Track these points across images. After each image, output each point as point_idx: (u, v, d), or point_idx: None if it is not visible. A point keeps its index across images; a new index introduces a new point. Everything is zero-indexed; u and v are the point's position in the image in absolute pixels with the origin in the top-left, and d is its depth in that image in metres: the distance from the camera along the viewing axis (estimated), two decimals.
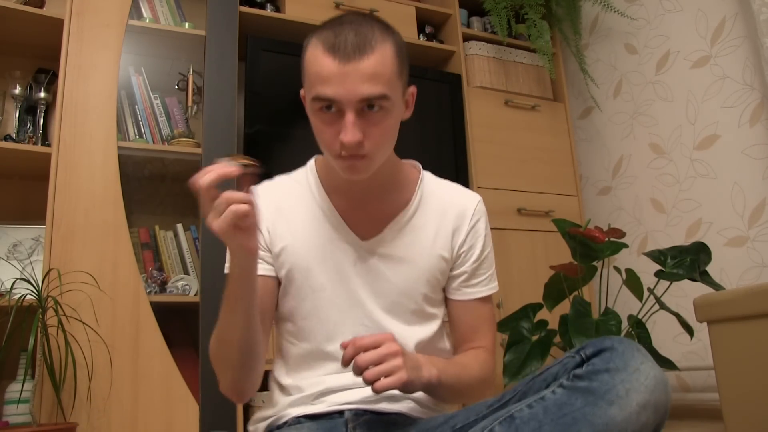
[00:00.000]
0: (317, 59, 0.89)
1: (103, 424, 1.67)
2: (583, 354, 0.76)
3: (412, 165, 1.10)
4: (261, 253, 1.00)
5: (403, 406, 0.97)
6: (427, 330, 1.03)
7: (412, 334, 1.01)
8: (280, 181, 1.09)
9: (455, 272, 1.06)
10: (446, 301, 1.08)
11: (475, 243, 1.06)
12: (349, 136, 0.87)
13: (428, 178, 1.09)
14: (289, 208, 1.04)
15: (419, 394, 0.98)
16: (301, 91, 0.98)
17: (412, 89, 0.99)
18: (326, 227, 1.02)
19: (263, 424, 1.01)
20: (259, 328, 0.93)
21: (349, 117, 0.87)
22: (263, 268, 1.01)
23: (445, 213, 1.05)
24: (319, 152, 1.02)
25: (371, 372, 0.79)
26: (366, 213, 1.03)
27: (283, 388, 1.02)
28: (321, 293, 1.00)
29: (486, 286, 1.08)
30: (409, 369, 0.81)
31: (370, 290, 1.00)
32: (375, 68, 0.87)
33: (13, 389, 1.61)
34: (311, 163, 1.09)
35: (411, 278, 1.01)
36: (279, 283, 1.03)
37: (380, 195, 1.03)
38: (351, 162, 0.91)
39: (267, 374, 1.06)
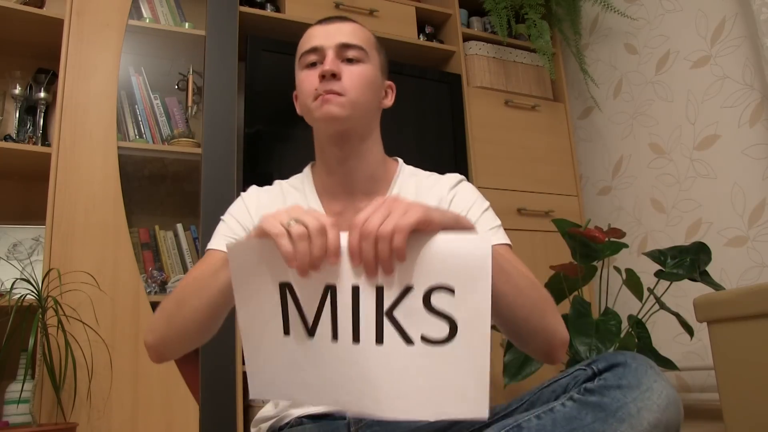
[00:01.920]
0: (306, 33, 1.05)
1: (103, 424, 1.67)
2: (595, 367, 0.75)
3: (394, 160, 1.12)
4: (232, 236, 1.00)
5: None
6: None
7: None
8: (278, 184, 1.12)
9: None
10: None
11: (459, 210, 1.01)
12: (327, 65, 0.97)
13: (407, 171, 1.10)
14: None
15: None
16: (294, 93, 1.09)
17: (391, 83, 1.10)
18: None
19: (265, 425, 1.01)
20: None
21: (329, 53, 0.99)
22: None
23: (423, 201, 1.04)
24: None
25: (382, 239, 0.66)
26: (352, 213, 1.02)
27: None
28: None
29: (495, 236, 1.01)
30: (424, 208, 0.70)
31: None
32: (353, 29, 1.03)
33: (13, 389, 1.61)
34: (307, 169, 1.12)
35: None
36: None
37: (369, 192, 1.04)
38: (326, 97, 0.96)
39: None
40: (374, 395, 0.68)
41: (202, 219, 1.92)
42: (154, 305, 1.82)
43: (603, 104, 2.77)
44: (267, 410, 1.02)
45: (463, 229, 0.73)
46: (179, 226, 2.11)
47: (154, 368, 1.77)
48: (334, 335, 0.68)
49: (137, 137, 2.09)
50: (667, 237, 2.41)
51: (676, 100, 2.43)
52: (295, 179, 1.12)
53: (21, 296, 1.59)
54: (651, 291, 1.87)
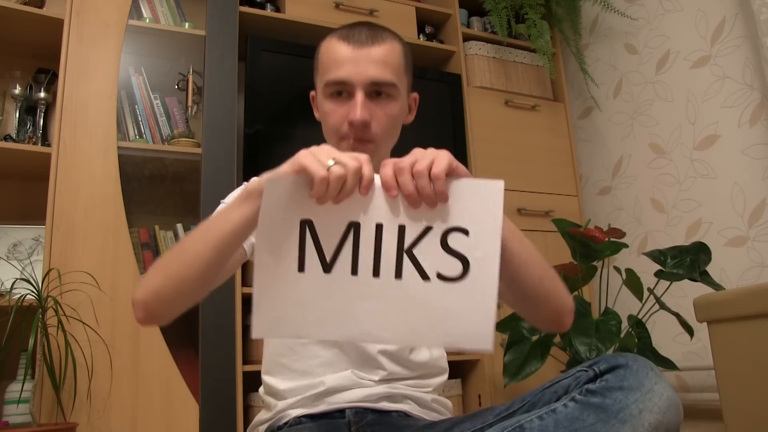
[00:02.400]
0: (331, 47, 0.97)
1: (103, 424, 1.67)
2: (596, 369, 0.75)
3: None
4: None
5: (404, 405, 0.97)
6: None
7: None
8: None
9: None
10: None
11: None
12: (358, 114, 0.92)
13: None
14: None
15: (419, 394, 0.98)
16: (311, 93, 1.05)
17: (415, 95, 1.06)
18: None
19: (263, 427, 1.00)
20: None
21: (359, 96, 0.93)
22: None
23: None
24: None
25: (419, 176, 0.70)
26: None
27: (278, 394, 1.00)
28: None
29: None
30: (450, 155, 0.72)
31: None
32: (385, 56, 0.95)
33: (13, 389, 1.60)
34: None
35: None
36: (242, 255, 0.99)
37: None
38: (356, 145, 0.93)
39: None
40: (386, 325, 0.73)
41: (202, 219, 1.91)
42: None
43: (603, 104, 2.77)
44: (262, 414, 1.02)
45: None
46: (179, 226, 2.11)
47: (154, 368, 1.77)
48: (354, 270, 0.72)
49: (137, 137, 2.09)
50: (667, 237, 2.41)
51: (676, 100, 2.43)
52: None
53: (21, 296, 1.58)
54: (651, 291, 1.87)
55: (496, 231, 0.71)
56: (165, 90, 2.22)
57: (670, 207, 2.42)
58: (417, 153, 0.72)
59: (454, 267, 0.71)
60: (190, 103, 2.22)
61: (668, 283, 1.86)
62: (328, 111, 0.97)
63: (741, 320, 1.42)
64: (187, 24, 2.17)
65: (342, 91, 0.95)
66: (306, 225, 0.72)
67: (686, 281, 1.83)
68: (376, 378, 0.97)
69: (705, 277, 1.81)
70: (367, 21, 1.02)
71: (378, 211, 0.72)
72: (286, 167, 0.72)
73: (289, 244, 0.72)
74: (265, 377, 1.04)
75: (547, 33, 2.64)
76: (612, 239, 1.89)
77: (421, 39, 2.59)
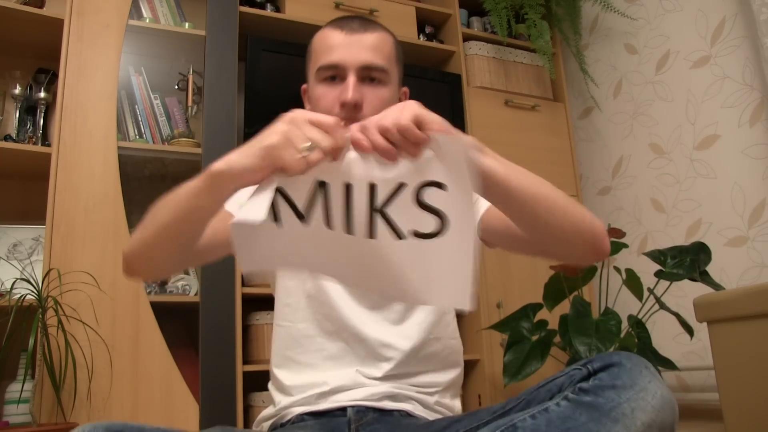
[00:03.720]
0: (324, 35, 0.99)
1: None
2: (590, 367, 0.75)
3: None
4: (237, 203, 0.95)
5: (407, 405, 0.97)
6: (438, 319, 1.03)
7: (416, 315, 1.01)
8: None
9: None
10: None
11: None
12: (349, 94, 0.92)
13: None
14: None
15: (423, 396, 0.98)
16: (303, 86, 1.06)
17: (405, 89, 1.07)
18: None
19: (267, 423, 1.01)
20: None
21: (351, 79, 0.94)
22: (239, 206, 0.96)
23: None
24: None
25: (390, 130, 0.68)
26: None
27: (284, 390, 1.01)
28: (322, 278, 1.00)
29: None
30: (419, 106, 0.71)
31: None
32: (377, 42, 0.98)
33: (13, 389, 1.60)
34: None
35: None
36: None
37: None
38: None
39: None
40: (367, 277, 0.72)
41: None
42: (154, 305, 1.83)
43: (603, 104, 2.77)
44: (269, 410, 1.02)
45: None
46: None
47: (154, 368, 1.77)
48: (327, 224, 0.71)
49: (137, 137, 2.09)
50: (667, 237, 2.41)
51: (676, 100, 2.43)
52: None
53: (21, 296, 1.58)
54: (651, 291, 1.87)
55: (468, 184, 0.67)
56: (165, 90, 2.22)
57: (670, 207, 2.42)
58: (385, 112, 0.71)
59: (429, 223, 0.69)
60: (190, 103, 2.22)
61: (668, 283, 1.87)
62: (319, 95, 0.97)
63: (741, 320, 1.42)
64: (187, 24, 2.17)
65: (335, 75, 0.96)
66: (277, 190, 0.70)
67: (686, 281, 1.83)
68: (380, 374, 0.97)
69: (705, 277, 1.81)
70: (358, 16, 1.05)
71: (348, 171, 0.69)
72: (257, 157, 0.71)
73: (264, 209, 0.69)
74: (274, 370, 1.05)
75: (547, 33, 2.64)
76: (612, 239, 1.89)
77: (421, 39, 2.59)
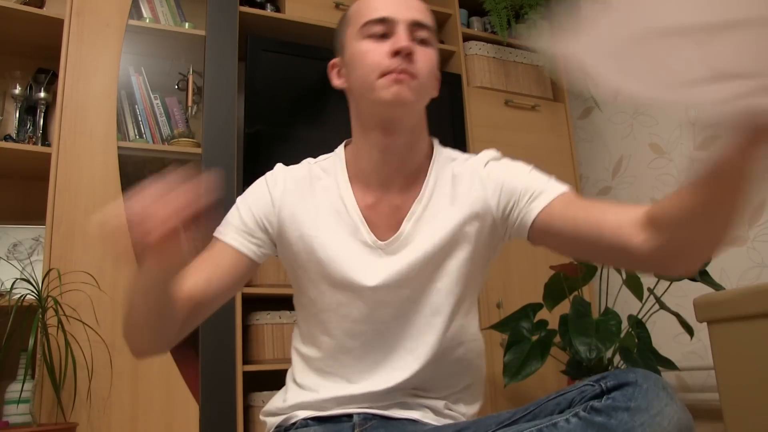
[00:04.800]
0: (368, 1, 0.95)
1: (103, 424, 1.67)
2: (603, 385, 0.70)
3: (430, 146, 1.03)
4: (241, 227, 0.96)
5: (417, 413, 0.93)
6: (461, 324, 0.98)
7: (438, 326, 0.95)
8: (307, 165, 1.03)
9: (507, 211, 0.94)
10: (543, 234, 0.92)
11: (502, 180, 0.95)
12: (403, 42, 0.88)
13: (443, 158, 1.01)
14: (312, 197, 0.99)
15: (435, 403, 0.95)
16: (331, 62, 1.00)
17: (438, 73, 1.02)
18: (346, 225, 0.96)
19: (272, 420, 0.98)
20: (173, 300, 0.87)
21: (401, 31, 0.90)
22: (240, 243, 0.96)
23: (459, 187, 0.98)
24: (338, 140, 1.01)
25: None
26: (386, 207, 0.97)
27: (299, 386, 0.99)
28: (341, 290, 0.95)
29: (554, 185, 0.94)
30: None
31: (384, 293, 0.94)
32: (423, 6, 0.95)
33: (13, 389, 1.60)
34: (340, 149, 1.03)
35: (432, 274, 0.95)
36: (251, 265, 0.97)
37: (405, 185, 0.97)
38: (399, 76, 0.88)
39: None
40: None
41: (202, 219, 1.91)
42: None
43: (603, 104, 2.77)
44: (277, 403, 1.00)
45: None
46: None
47: (154, 368, 1.77)
48: None
49: (137, 137, 2.09)
50: None
51: None
52: (326, 160, 1.03)
53: (21, 296, 1.58)
54: (651, 291, 1.87)
55: None
56: (165, 90, 2.22)
57: None
58: None
59: None
60: (190, 103, 2.22)
61: (668, 283, 1.87)
62: (365, 50, 0.91)
63: (741, 320, 1.42)
64: (187, 24, 2.17)
65: (383, 32, 0.91)
66: None
67: (686, 281, 1.83)
68: (392, 384, 0.93)
69: (705, 277, 1.81)
70: None
71: None
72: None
73: None
74: (300, 348, 1.01)
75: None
76: None
77: None
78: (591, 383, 0.72)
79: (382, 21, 0.90)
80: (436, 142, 1.04)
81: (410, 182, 0.98)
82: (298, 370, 1.01)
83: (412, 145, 0.97)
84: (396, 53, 0.88)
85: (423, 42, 0.92)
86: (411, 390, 0.95)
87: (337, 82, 1.00)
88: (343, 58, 0.97)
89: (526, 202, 0.92)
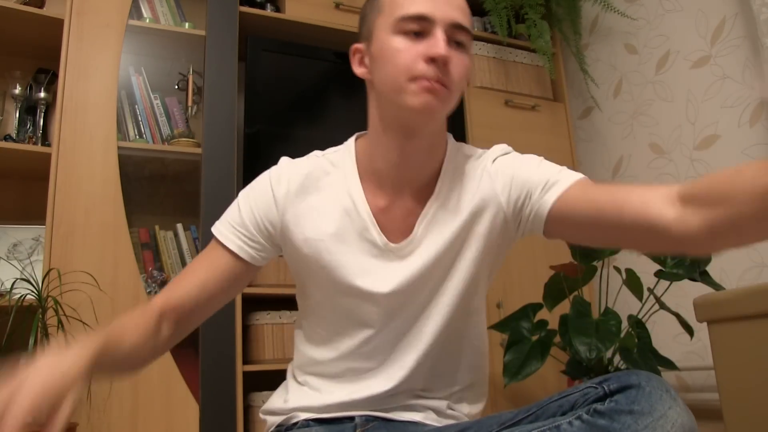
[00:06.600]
0: None
1: (103, 424, 1.67)
2: (606, 387, 0.70)
3: (444, 142, 0.98)
4: (240, 229, 0.94)
5: (419, 415, 0.93)
6: (466, 324, 0.97)
7: (446, 329, 0.94)
8: (315, 159, 0.98)
9: (519, 205, 0.92)
10: (557, 227, 0.89)
11: (511, 174, 0.93)
12: (442, 48, 0.82)
13: (455, 156, 0.97)
14: (318, 195, 0.95)
15: (438, 404, 0.95)
16: (353, 47, 0.94)
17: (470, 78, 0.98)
18: (354, 224, 0.93)
19: (273, 419, 0.98)
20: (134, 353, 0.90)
21: (440, 34, 0.83)
22: (238, 246, 0.93)
23: (470, 185, 0.95)
24: (350, 133, 0.98)
25: None
26: (399, 210, 0.94)
27: (301, 384, 0.98)
28: (350, 296, 0.93)
29: (567, 174, 0.92)
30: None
31: (399, 298, 0.93)
32: (464, 4, 0.89)
33: None
34: (351, 142, 0.98)
35: (444, 275, 0.93)
36: (250, 268, 0.95)
37: (417, 188, 0.94)
38: (433, 86, 0.83)
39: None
40: None
41: (202, 219, 1.92)
42: None
43: (603, 104, 2.77)
44: (278, 402, 0.99)
45: None
46: (179, 226, 2.11)
47: (154, 368, 1.77)
48: None
49: (137, 137, 2.09)
50: None
51: (676, 100, 2.43)
52: (335, 153, 0.98)
53: (21, 296, 1.58)
54: (651, 291, 1.87)
55: None
56: (165, 90, 2.22)
57: None
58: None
59: None
60: (190, 103, 2.22)
61: (668, 283, 1.86)
62: (399, 48, 0.84)
63: (741, 320, 1.42)
64: (187, 24, 2.17)
65: (419, 30, 0.84)
66: None
67: (686, 281, 1.83)
68: (393, 384, 0.92)
69: (705, 277, 1.81)
70: None
71: None
72: None
73: None
74: (302, 347, 1.00)
75: (547, 33, 2.64)
76: None
77: None
78: (594, 385, 0.71)
79: (420, 18, 0.84)
80: (450, 139, 0.99)
81: (424, 184, 0.94)
82: (300, 369, 1.00)
83: (431, 147, 0.94)
84: (432, 60, 0.83)
85: (459, 45, 0.87)
86: (414, 390, 0.95)
87: (358, 70, 0.93)
88: (369, 48, 0.91)
89: (539, 194, 0.90)
